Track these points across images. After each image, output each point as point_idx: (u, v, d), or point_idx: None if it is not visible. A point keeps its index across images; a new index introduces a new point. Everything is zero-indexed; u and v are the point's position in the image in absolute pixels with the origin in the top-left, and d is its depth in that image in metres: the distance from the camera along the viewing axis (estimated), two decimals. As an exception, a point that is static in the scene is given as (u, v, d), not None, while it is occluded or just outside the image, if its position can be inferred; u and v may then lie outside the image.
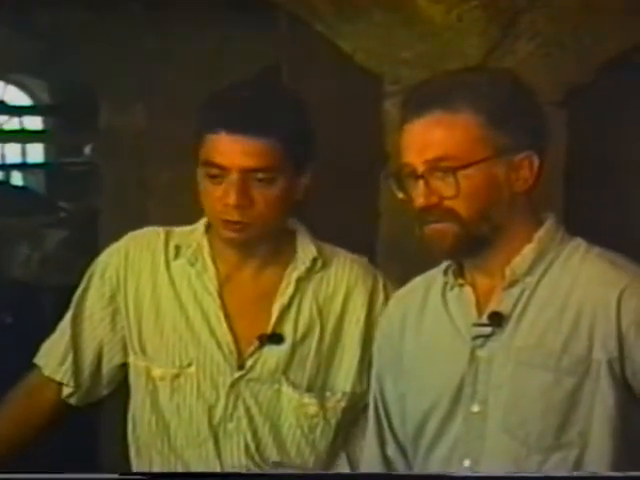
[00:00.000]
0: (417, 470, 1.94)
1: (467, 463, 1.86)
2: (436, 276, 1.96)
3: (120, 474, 1.81)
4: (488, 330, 1.85)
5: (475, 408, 1.86)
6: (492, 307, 1.86)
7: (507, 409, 1.83)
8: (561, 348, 1.81)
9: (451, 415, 1.88)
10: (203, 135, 2.02)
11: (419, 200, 1.83)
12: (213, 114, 2.01)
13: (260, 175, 2.00)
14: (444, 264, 1.95)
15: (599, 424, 1.79)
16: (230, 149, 1.98)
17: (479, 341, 1.86)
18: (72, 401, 2.19)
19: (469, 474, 1.84)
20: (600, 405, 1.79)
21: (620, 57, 2.90)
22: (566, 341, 1.81)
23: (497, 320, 1.84)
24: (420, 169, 1.83)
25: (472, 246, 1.86)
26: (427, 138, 1.83)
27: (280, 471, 2.03)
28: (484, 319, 1.86)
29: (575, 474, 1.79)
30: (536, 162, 1.85)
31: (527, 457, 1.81)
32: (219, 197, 2.01)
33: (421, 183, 1.82)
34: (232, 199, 1.99)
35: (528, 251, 1.86)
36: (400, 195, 1.87)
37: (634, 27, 2.87)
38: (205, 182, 2.03)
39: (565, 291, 1.84)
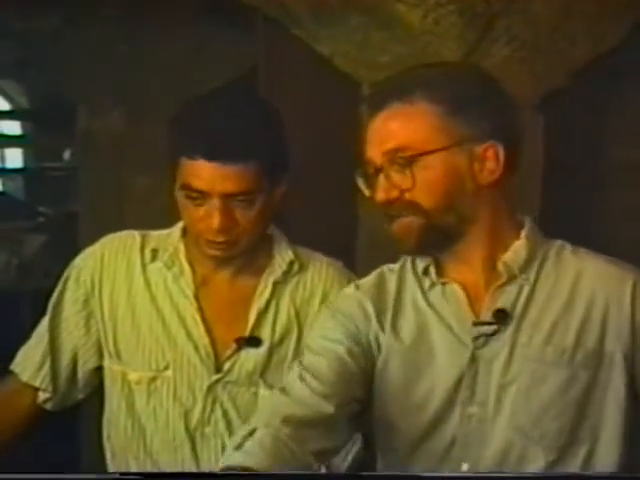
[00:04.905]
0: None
1: (465, 467, 1.81)
2: (404, 275, 1.90)
3: (120, 474, 1.81)
4: (491, 329, 1.81)
5: (473, 409, 1.81)
6: (489, 304, 1.82)
7: (517, 409, 1.79)
8: (574, 343, 1.79)
9: (444, 417, 1.83)
10: (179, 158, 2.00)
11: (380, 195, 1.81)
12: (187, 139, 1.99)
13: (240, 197, 1.99)
14: (402, 261, 1.91)
15: (611, 417, 1.79)
16: (209, 175, 1.97)
17: (480, 341, 1.81)
18: (48, 406, 2.19)
19: (468, 474, 1.79)
20: (612, 397, 1.79)
21: (596, 61, 2.92)
22: (578, 335, 1.79)
23: (503, 318, 1.81)
24: (379, 162, 1.81)
25: (440, 239, 1.82)
26: (384, 130, 1.81)
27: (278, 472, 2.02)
28: (489, 317, 1.81)
29: (575, 474, 1.76)
30: (501, 152, 1.80)
31: (541, 458, 1.78)
32: (201, 218, 2.00)
33: (381, 177, 1.81)
34: (215, 224, 1.98)
35: (520, 247, 1.84)
36: (367, 192, 1.85)
37: (609, 31, 2.89)
38: (185, 202, 2.02)
39: (570, 285, 1.82)
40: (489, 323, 1.81)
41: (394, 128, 1.80)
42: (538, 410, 1.79)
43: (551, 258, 1.86)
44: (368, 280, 1.95)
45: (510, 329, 1.81)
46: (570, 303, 1.82)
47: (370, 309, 1.90)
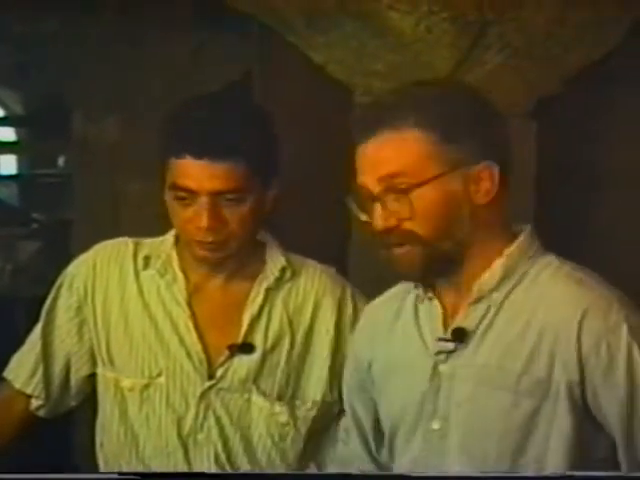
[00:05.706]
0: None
1: (436, 425, 1.83)
2: (411, 288, 1.92)
3: (119, 473, 1.81)
4: (451, 346, 1.82)
5: (435, 425, 1.83)
6: (457, 322, 1.83)
7: (466, 429, 1.80)
8: (521, 369, 1.77)
9: (414, 430, 1.86)
10: (168, 159, 2.02)
11: (377, 223, 1.80)
12: (176, 139, 2.00)
13: (229, 196, 2.00)
14: None
15: (555, 448, 1.76)
16: (197, 173, 1.98)
17: (442, 356, 1.83)
18: (41, 413, 2.19)
19: (465, 474, 1.79)
20: (557, 429, 1.76)
21: (589, 68, 2.93)
22: (527, 362, 1.77)
23: (460, 336, 1.81)
24: (375, 190, 1.80)
25: (441, 265, 1.82)
26: (378, 157, 1.80)
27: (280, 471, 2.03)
28: (448, 334, 1.82)
29: (577, 474, 1.74)
30: (496, 172, 1.80)
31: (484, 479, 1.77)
32: (190, 219, 2.01)
33: (378, 206, 1.80)
34: (204, 222, 1.98)
35: (497, 267, 1.82)
36: (363, 217, 1.85)
37: (603, 37, 2.90)
38: (174, 204, 2.03)
39: (530, 310, 1.80)
40: (447, 340, 1.82)
41: (388, 155, 1.79)
42: (482, 430, 1.79)
43: (528, 278, 1.83)
44: (394, 289, 1.99)
45: (471, 348, 1.81)
46: (525, 329, 1.79)
47: (368, 324, 2.00)
